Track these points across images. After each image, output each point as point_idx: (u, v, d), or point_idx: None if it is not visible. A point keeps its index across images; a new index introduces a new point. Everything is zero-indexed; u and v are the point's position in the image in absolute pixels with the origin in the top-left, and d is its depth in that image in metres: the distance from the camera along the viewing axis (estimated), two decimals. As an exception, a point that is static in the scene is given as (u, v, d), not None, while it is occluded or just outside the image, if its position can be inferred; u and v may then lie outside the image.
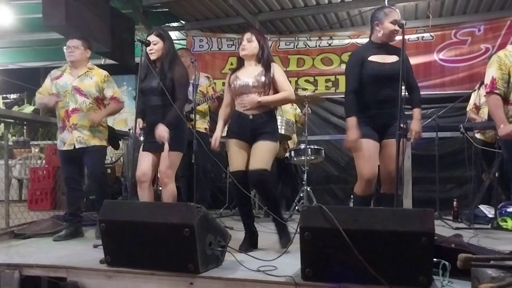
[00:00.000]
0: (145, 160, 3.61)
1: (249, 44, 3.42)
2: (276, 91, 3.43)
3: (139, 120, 3.68)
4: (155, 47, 3.58)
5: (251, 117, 3.35)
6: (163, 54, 3.60)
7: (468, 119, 5.08)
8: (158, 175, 3.67)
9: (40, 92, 4.14)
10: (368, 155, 3.24)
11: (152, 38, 3.59)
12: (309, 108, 5.51)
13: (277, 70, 3.45)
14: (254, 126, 3.34)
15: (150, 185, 3.63)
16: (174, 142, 3.54)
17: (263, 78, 3.36)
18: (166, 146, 3.51)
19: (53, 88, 4.08)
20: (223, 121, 3.57)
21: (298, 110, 5.89)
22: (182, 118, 3.61)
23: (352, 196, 5.35)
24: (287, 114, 5.75)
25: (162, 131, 3.43)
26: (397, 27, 3.22)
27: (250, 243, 3.38)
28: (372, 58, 3.29)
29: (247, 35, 3.45)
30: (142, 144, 3.68)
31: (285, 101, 3.59)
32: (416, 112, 3.34)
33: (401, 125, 3.04)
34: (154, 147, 3.57)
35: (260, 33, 3.56)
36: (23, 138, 8.33)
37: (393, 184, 3.09)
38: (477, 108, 5.14)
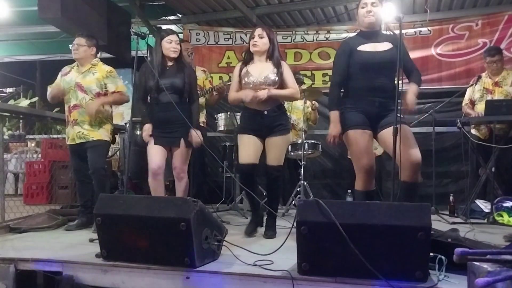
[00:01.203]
0: (158, 154, 3.71)
1: (261, 40, 3.56)
2: (282, 88, 3.59)
3: (149, 126, 3.73)
4: (178, 46, 3.77)
5: (265, 112, 3.53)
6: (181, 54, 3.83)
7: (464, 114, 5.07)
8: (173, 170, 3.80)
9: (51, 85, 4.26)
10: (361, 146, 3.15)
11: (176, 38, 3.78)
12: (315, 102, 5.51)
13: (286, 68, 3.62)
14: (269, 120, 3.54)
15: (162, 177, 3.76)
16: (187, 139, 3.73)
17: (273, 76, 3.54)
18: (182, 143, 3.70)
19: (61, 84, 4.19)
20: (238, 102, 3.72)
21: (310, 109, 5.85)
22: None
23: (349, 191, 5.42)
24: (297, 110, 5.72)
25: (197, 137, 3.67)
26: (367, 8, 3.18)
27: (256, 225, 3.63)
28: (362, 47, 3.22)
29: (259, 31, 3.57)
30: (153, 138, 3.74)
31: (291, 98, 3.82)
32: (413, 86, 3.20)
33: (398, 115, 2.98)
34: (167, 142, 3.73)
35: (270, 29, 3.69)
36: (18, 132, 8.29)
37: (414, 170, 2.97)
38: (472, 103, 5.14)
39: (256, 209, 3.70)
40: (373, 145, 3.28)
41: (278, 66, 3.55)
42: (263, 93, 3.44)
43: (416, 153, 2.96)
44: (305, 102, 5.41)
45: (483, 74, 5.12)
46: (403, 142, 2.94)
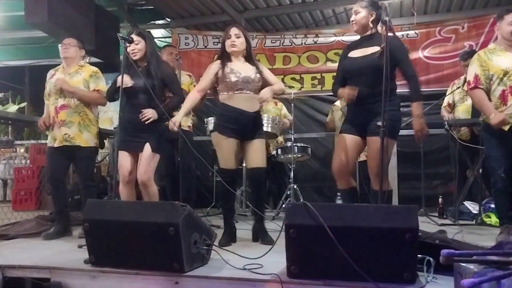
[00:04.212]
0: (127, 160, 3.57)
1: (238, 40, 3.47)
2: (263, 87, 3.53)
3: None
4: (137, 46, 3.57)
5: (254, 114, 3.47)
6: (146, 53, 3.60)
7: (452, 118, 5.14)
8: (137, 177, 3.59)
9: (45, 97, 4.16)
10: (339, 149, 3.29)
11: (134, 37, 3.56)
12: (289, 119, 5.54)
13: (264, 68, 3.61)
14: (256, 122, 3.50)
15: (133, 185, 3.62)
16: (155, 144, 3.55)
17: (255, 76, 3.48)
18: (147, 147, 3.51)
19: (47, 87, 4.11)
20: (190, 105, 3.58)
21: (284, 111, 5.84)
22: (162, 121, 3.61)
23: (339, 194, 5.44)
24: (269, 113, 5.72)
25: (152, 113, 3.48)
26: (351, 18, 3.29)
27: (230, 237, 3.48)
28: (351, 54, 3.30)
29: (235, 30, 3.48)
30: (120, 142, 3.58)
31: (281, 91, 3.67)
32: (415, 107, 3.18)
33: (378, 123, 2.99)
34: (133, 147, 3.56)
35: (244, 28, 3.64)
36: (7, 137, 8.22)
37: (376, 180, 3.08)
38: (451, 106, 5.24)
39: (231, 217, 3.58)
40: None
41: (257, 66, 3.52)
42: (267, 93, 3.42)
43: (375, 166, 3.06)
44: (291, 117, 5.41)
45: (462, 77, 5.20)
46: (370, 155, 3.20)
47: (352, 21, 3.28)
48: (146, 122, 3.48)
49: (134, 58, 3.58)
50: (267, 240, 3.44)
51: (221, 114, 3.51)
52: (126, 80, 3.42)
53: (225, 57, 3.52)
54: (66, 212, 4.09)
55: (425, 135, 3.21)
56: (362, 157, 5.28)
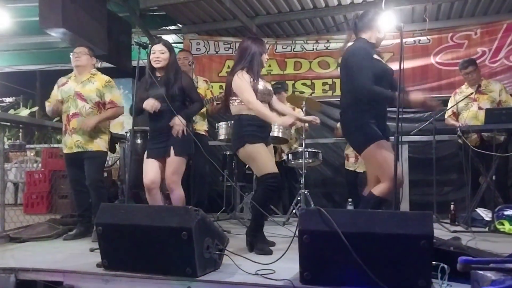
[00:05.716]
0: (152, 167, 3.62)
1: None
2: None
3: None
4: (162, 56, 3.66)
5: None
6: (169, 64, 3.69)
7: (448, 126, 5.16)
8: (166, 181, 3.67)
9: (49, 100, 4.29)
10: (392, 155, 2.98)
11: (160, 47, 3.67)
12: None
13: None
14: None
15: (158, 191, 3.67)
16: (180, 147, 3.62)
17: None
18: (172, 151, 3.59)
19: (59, 95, 4.21)
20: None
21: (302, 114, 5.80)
22: (189, 124, 3.72)
23: (350, 200, 5.41)
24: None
25: (178, 125, 3.56)
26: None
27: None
28: (376, 56, 3.24)
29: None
30: (147, 151, 3.69)
31: None
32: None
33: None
34: (159, 153, 3.63)
35: None
36: (18, 141, 8.27)
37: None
38: (455, 115, 5.27)
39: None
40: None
41: None
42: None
43: None
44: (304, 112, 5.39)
45: (463, 86, 5.26)
46: None
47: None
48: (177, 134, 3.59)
49: (157, 66, 3.67)
50: (261, 249, 3.34)
51: (251, 125, 3.37)
52: (155, 105, 3.54)
53: (259, 67, 3.48)
54: (88, 215, 4.19)
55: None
56: (362, 168, 5.42)
